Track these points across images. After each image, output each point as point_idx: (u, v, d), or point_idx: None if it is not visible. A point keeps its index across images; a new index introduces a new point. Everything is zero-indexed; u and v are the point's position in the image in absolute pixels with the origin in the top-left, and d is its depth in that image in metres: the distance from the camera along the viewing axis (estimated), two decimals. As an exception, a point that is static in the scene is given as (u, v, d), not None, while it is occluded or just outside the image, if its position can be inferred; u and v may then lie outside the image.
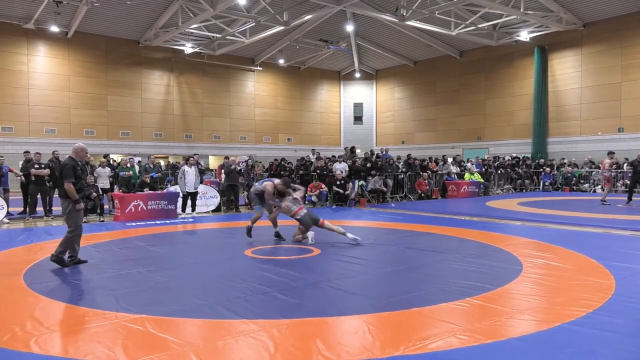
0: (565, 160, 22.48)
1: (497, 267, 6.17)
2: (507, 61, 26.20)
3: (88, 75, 24.18)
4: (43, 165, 11.91)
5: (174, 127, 26.89)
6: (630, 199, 13.88)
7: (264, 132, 30.29)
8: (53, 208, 11.92)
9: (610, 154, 15.39)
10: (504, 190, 20.91)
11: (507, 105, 26.32)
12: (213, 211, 13.91)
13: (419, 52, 28.97)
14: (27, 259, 6.92)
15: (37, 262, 6.67)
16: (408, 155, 19.38)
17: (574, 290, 5.05)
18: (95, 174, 12.42)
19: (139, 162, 16.23)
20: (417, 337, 3.73)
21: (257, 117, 29.98)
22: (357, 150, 20.87)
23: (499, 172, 21.20)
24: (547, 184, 21.16)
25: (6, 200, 11.57)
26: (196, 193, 13.08)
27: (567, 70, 23.88)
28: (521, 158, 23.37)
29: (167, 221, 11.57)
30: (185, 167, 12.87)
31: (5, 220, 11.21)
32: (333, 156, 19.06)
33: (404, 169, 17.86)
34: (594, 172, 20.90)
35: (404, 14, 21.34)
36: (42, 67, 23.03)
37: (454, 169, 19.60)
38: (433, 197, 17.86)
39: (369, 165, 16.66)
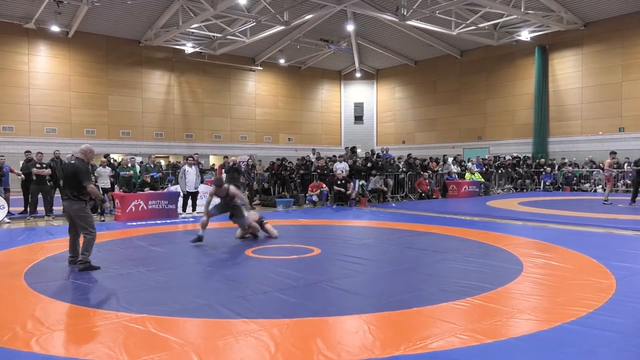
0: (566, 160, 22.47)
1: (498, 267, 6.17)
2: (507, 61, 26.19)
3: (89, 75, 24.18)
4: (44, 165, 11.92)
5: (174, 126, 26.90)
6: (634, 199, 13.84)
7: (265, 132, 30.29)
8: (54, 208, 11.93)
9: (612, 154, 15.37)
10: (505, 190, 20.90)
11: (507, 105, 26.31)
12: (213, 211, 13.88)
13: (420, 51, 28.96)
14: (27, 258, 6.92)
15: (38, 262, 6.67)
16: (408, 155, 19.37)
17: (575, 290, 5.05)
18: (96, 174, 12.42)
19: (141, 162, 16.22)
20: (418, 337, 3.73)
21: (257, 116, 29.99)
22: (358, 150, 20.87)
23: (500, 171, 21.19)
24: (547, 183, 21.15)
25: (7, 199, 11.58)
26: (197, 193, 13.09)
27: (568, 70, 23.87)
28: (522, 158, 23.36)
29: (168, 221, 11.57)
30: (186, 167, 12.88)
31: (6, 219, 11.22)
32: (334, 156, 19.06)
33: (404, 169, 17.86)
34: (594, 172, 20.88)
35: (405, 13, 21.34)
36: (43, 66, 23.04)
37: (455, 169, 19.60)
38: (434, 196, 17.85)
39: (369, 165, 16.66)
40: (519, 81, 25.71)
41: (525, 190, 21.23)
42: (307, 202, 15.61)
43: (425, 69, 30.27)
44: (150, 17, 22.81)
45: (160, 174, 14.73)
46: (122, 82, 25.11)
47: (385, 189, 16.47)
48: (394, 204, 15.58)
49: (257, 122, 29.96)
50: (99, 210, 11.89)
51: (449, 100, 28.98)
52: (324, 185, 15.40)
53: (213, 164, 25.50)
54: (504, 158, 23.00)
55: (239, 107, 29.23)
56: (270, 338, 3.73)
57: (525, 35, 23.62)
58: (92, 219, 6.40)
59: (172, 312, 4.40)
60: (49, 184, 12.02)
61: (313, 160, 18.51)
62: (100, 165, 12.95)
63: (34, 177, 11.68)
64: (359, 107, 33.51)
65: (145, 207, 11.96)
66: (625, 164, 19.87)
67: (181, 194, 12.84)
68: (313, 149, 22.48)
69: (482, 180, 19.46)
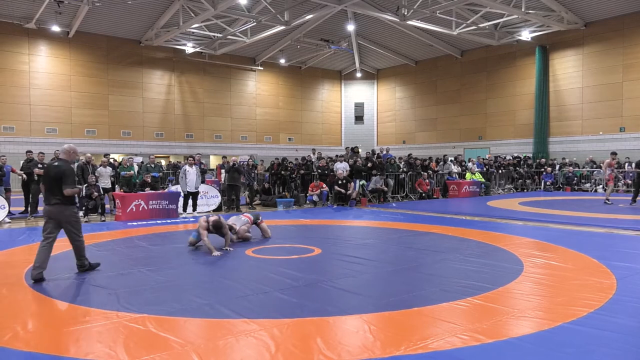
0: (567, 160, 22.46)
1: (498, 267, 6.17)
2: (508, 61, 26.19)
3: (89, 75, 24.20)
4: (46, 165, 11.92)
5: (175, 126, 26.91)
6: (635, 199, 13.83)
7: (265, 132, 30.30)
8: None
9: (613, 154, 15.36)
10: (505, 190, 20.90)
11: (508, 104, 26.30)
12: (214, 211, 13.91)
13: (420, 51, 28.97)
14: (28, 258, 6.92)
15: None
16: (409, 155, 19.37)
17: (575, 289, 5.05)
18: (96, 174, 12.44)
19: (141, 162, 16.23)
20: (418, 337, 3.73)
21: (258, 116, 30.00)
22: (359, 150, 20.87)
23: (500, 171, 21.18)
24: (548, 183, 21.15)
25: (8, 199, 11.59)
26: (197, 193, 13.09)
27: (569, 70, 23.86)
28: (522, 158, 23.35)
29: (168, 221, 11.58)
30: (187, 167, 12.88)
31: (7, 219, 11.23)
32: (336, 156, 19.06)
33: (405, 169, 17.86)
34: (595, 172, 20.87)
35: (405, 13, 21.34)
36: (44, 66, 23.06)
37: (455, 169, 19.59)
38: (434, 196, 17.85)
39: (370, 165, 16.66)
40: (520, 81, 25.71)
41: (525, 190, 21.22)
42: (307, 202, 15.61)
43: (426, 69, 30.27)
44: (151, 17, 22.82)
45: (160, 174, 14.74)
46: (122, 82, 25.13)
47: (386, 189, 16.47)
48: (394, 204, 15.57)
49: (257, 122, 29.97)
50: (100, 211, 11.90)
51: (450, 100, 28.98)
52: (324, 185, 15.40)
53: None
54: (505, 158, 22.99)
55: (240, 107, 29.24)
56: (270, 338, 3.73)
57: (525, 35, 23.62)
58: (81, 223, 6.09)
59: (173, 311, 4.40)
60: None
61: (314, 160, 18.51)
62: (100, 165, 12.96)
63: (36, 177, 11.69)
64: (359, 107, 33.52)
65: (146, 207, 11.96)
66: (626, 164, 19.87)
67: (182, 194, 12.84)
68: (313, 149, 22.49)
69: (483, 180, 19.46)
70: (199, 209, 13.24)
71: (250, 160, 16.29)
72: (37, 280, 5.46)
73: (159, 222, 11.31)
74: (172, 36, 23.70)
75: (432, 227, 10.19)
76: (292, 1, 20.71)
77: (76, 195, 6.12)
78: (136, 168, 14.01)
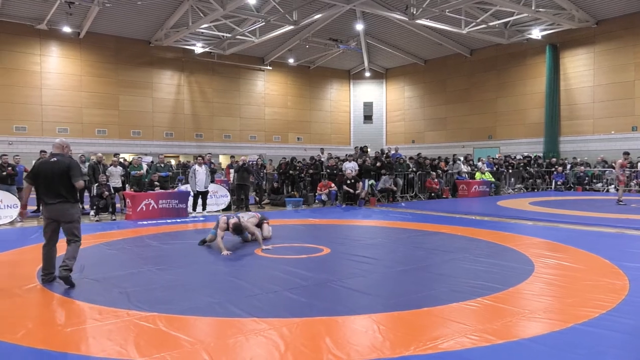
0: (578, 160, 22.24)
1: (508, 267, 6.13)
2: (518, 59, 25.98)
3: (99, 75, 24.39)
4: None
5: (184, 126, 27.04)
6: None
7: (274, 132, 30.34)
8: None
9: (625, 154, 15.19)
10: (515, 190, 20.75)
11: (518, 103, 26.10)
12: (223, 210, 13.96)
13: (429, 50, 28.84)
14: (40, 256, 6.99)
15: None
16: (418, 155, 19.30)
17: (587, 290, 5.01)
18: (107, 173, 12.55)
19: (151, 161, 16.32)
20: (428, 337, 3.72)
21: (266, 116, 30.05)
22: (368, 150, 20.84)
23: (510, 171, 21.04)
24: (559, 183, 20.96)
25: (20, 199, 11.71)
26: (207, 192, 13.15)
27: (580, 69, 23.63)
28: (533, 157, 23.17)
29: (178, 220, 11.64)
30: (196, 167, 12.94)
31: (19, 219, 11.36)
32: (346, 155, 19.04)
33: (414, 168, 17.80)
34: (606, 172, 20.66)
35: (414, 12, 21.25)
36: (55, 67, 23.27)
37: (465, 168, 19.49)
38: (443, 196, 17.77)
39: (378, 164, 16.62)
40: (530, 80, 25.50)
41: (536, 190, 21.06)
42: (316, 201, 15.61)
43: (435, 68, 30.13)
44: (160, 17, 22.95)
45: (170, 173, 14.83)
46: (132, 82, 25.29)
47: (395, 188, 16.43)
48: (403, 204, 15.53)
49: (266, 121, 30.02)
50: (110, 210, 11.99)
51: (459, 99, 28.82)
52: (332, 185, 15.40)
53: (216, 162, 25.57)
54: (515, 157, 22.83)
55: (248, 107, 29.30)
56: (280, 337, 3.74)
57: (536, 33, 23.42)
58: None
59: (183, 310, 4.42)
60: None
61: (323, 159, 18.51)
62: (111, 165, 13.07)
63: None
64: (368, 106, 33.45)
65: (156, 207, 12.04)
66: (639, 164, 19.64)
67: (191, 193, 12.91)
68: (321, 149, 22.48)
69: (493, 180, 19.34)
70: (208, 208, 13.30)
71: (259, 159, 16.32)
72: (49, 282, 5.42)
73: (168, 221, 11.38)
74: (181, 36, 23.81)
75: (441, 227, 10.15)
76: (301, 1, 20.72)
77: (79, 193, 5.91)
78: (145, 167, 14.09)
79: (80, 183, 5.49)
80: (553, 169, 21.72)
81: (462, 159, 20.48)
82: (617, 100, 22.25)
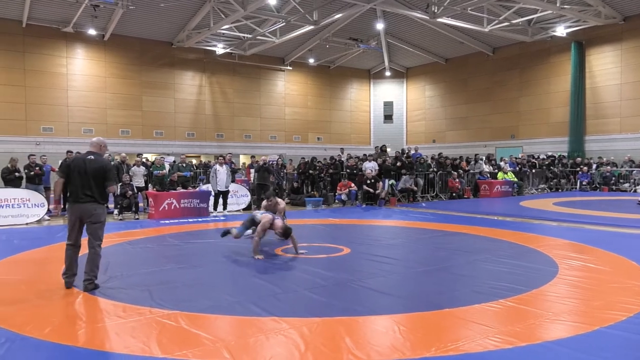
0: (604, 159, 21.74)
1: (532, 269, 6.03)
2: (542, 57, 25.51)
3: (123, 77, 24.82)
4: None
5: (205, 126, 27.32)
6: None
7: (294, 132, 30.43)
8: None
9: None
10: (539, 190, 20.39)
11: (542, 102, 25.63)
12: (244, 209, 14.07)
13: (450, 49, 28.53)
14: (66, 254, 7.15)
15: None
16: (439, 154, 19.11)
17: (613, 293, 4.89)
18: (130, 173, 12.76)
19: (173, 161, 16.54)
20: (449, 339, 3.68)
21: (287, 116, 30.15)
22: (388, 149, 20.72)
23: (534, 171, 20.67)
24: (584, 183, 20.51)
25: (47, 198, 12.01)
26: (227, 192, 13.26)
27: (606, 66, 23.07)
28: (557, 157, 22.72)
29: (200, 219, 11.77)
30: (217, 166, 13.06)
31: (46, 217, 11.65)
32: (364, 155, 18.98)
33: (434, 168, 17.63)
34: (634, 172, 20.14)
35: (435, 10, 21.06)
36: (80, 69, 23.77)
37: (487, 168, 19.23)
38: (465, 196, 17.57)
39: (399, 164, 16.52)
40: (554, 78, 25.01)
41: (560, 190, 20.65)
42: (336, 201, 15.60)
43: (456, 67, 29.80)
44: (182, 19, 23.24)
45: (191, 173, 15.00)
46: (155, 83, 25.66)
47: (415, 188, 16.31)
48: (424, 204, 15.41)
49: (286, 121, 30.13)
50: (133, 209, 12.19)
51: (481, 98, 28.45)
52: (352, 185, 15.37)
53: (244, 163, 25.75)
54: (538, 157, 22.43)
55: (269, 107, 29.45)
56: (300, 336, 3.75)
57: (560, 30, 22.96)
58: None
59: (204, 309, 4.47)
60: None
61: (343, 159, 18.48)
62: (134, 165, 13.29)
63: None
64: (388, 106, 33.28)
65: (178, 206, 12.20)
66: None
67: (212, 192, 13.03)
68: (341, 149, 22.45)
69: (516, 179, 19.04)
70: (229, 207, 13.41)
71: (279, 159, 16.39)
72: (69, 285, 5.19)
73: (190, 220, 11.52)
74: (202, 37, 24.07)
75: (462, 227, 10.04)
76: (321, 1, 20.73)
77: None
78: (168, 167, 14.29)
79: (113, 188, 5.45)
80: (578, 169, 21.26)
81: (484, 158, 20.21)
82: (645, 98, 21.67)
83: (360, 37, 26.70)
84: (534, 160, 21.36)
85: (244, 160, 27.23)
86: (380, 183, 15.29)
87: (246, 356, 3.41)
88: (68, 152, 13.03)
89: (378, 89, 33.37)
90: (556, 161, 22.13)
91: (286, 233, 7.08)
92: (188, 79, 26.69)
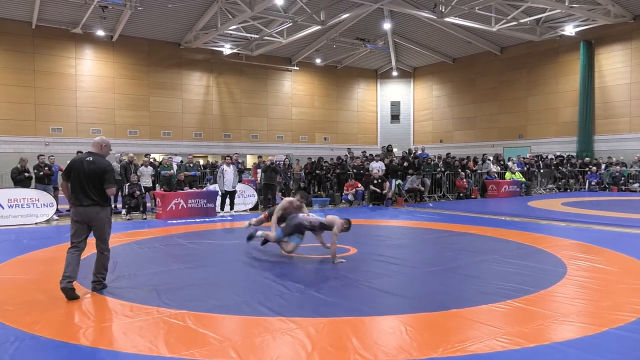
0: (613, 159, 21.54)
1: (540, 269, 5.99)
2: (550, 57, 25.34)
3: (132, 77, 24.97)
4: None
5: (213, 126, 27.41)
6: None
7: (301, 132, 30.45)
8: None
9: None
10: (547, 190, 20.25)
11: (550, 102, 25.46)
12: (251, 209, 14.10)
13: (458, 48, 28.41)
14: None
15: (84, 258, 6.93)
16: (447, 154, 19.05)
17: (622, 294, 4.85)
18: (138, 173, 12.83)
19: (181, 161, 16.62)
20: (456, 339, 3.66)
21: (293, 116, 30.18)
22: (394, 149, 20.68)
23: (542, 171, 20.53)
24: (593, 183, 20.34)
25: (56, 198, 12.10)
26: (234, 192, 13.30)
27: (616, 65, 22.88)
28: (565, 157, 22.55)
29: (207, 219, 11.81)
30: (224, 166, 13.10)
31: (55, 217, 11.73)
32: (370, 155, 18.96)
33: (442, 168, 17.57)
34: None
35: (443, 10, 20.99)
36: (89, 69, 23.94)
37: (494, 168, 19.13)
38: (472, 196, 17.49)
39: (406, 164, 16.48)
40: (563, 77, 24.83)
41: (569, 191, 20.50)
42: (342, 201, 15.59)
43: (464, 67, 29.68)
44: (190, 19, 23.34)
45: (198, 173, 15.06)
46: (163, 84, 25.80)
47: (422, 188, 16.25)
48: (431, 204, 15.36)
49: (293, 121, 30.16)
50: (141, 209, 12.25)
51: (489, 98, 28.31)
52: (359, 185, 15.35)
53: (243, 161, 25.79)
54: (547, 157, 22.27)
55: (276, 107, 29.50)
56: (306, 336, 3.75)
57: (569, 30, 22.79)
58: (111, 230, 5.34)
59: (211, 308, 4.49)
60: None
61: (349, 159, 18.46)
62: (142, 165, 13.36)
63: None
64: (395, 106, 33.21)
65: (185, 206, 12.24)
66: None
67: (219, 192, 13.07)
68: (348, 149, 22.44)
69: (523, 179, 18.92)
70: (235, 207, 13.44)
71: (286, 159, 16.40)
72: (69, 293, 4.78)
73: (197, 220, 11.56)
74: (210, 38, 24.16)
75: (470, 227, 9.99)
76: (328, 1, 20.73)
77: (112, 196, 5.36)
78: (175, 167, 14.35)
79: (112, 190, 5.12)
80: (587, 169, 21.09)
81: (491, 158, 20.11)
82: (655, 98, 21.46)
83: (368, 37, 26.68)
84: (547, 161, 21.17)
85: (250, 160, 27.31)
86: (387, 183, 15.26)
87: (253, 356, 3.41)
88: (78, 152, 13.11)
89: (385, 89, 33.30)
90: (565, 161, 21.96)
91: (348, 228, 6.76)
92: (195, 80, 26.80)
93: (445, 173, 17.39)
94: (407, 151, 19.28)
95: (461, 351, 3.44)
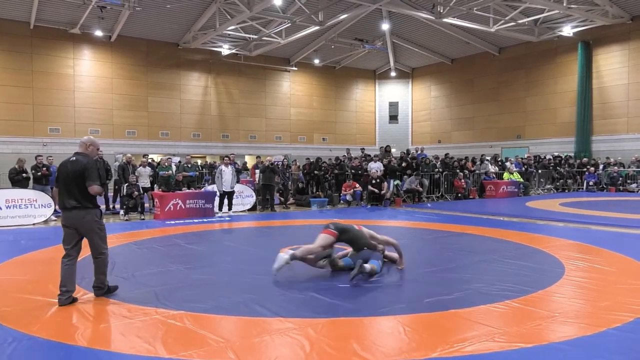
0: (611, 160, 21.59)
1: (538, 269, 6.00)
2: (548, 57, 25.39)
3: (130, 78, 24.94)
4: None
5: (211, 127, 27.40)
6: None
7: (299, 132, 30.45)
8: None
9: None
10: (545, 191, 20.29)
11: (548, 102, 25.51)
12: (249, 210, 14.09)
13: (456, 49, 28.46)
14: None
15: (82, 258, 6.91)
16: (445, 155, 19.07)
17: (620, 294, 4.85)
18: (136, 174, 12.81)
19: (179, 161, 16.61)
20: (454, 340, 3.67)
21: (292, 116, 30.18)
22: (393, 150, 20.70)
23: (540, 171, 20.57)
24: (591, 184, 20.38)
25: (53, 198, 12.08)
26: (232, 192, 13.28)
27: (614, 66, 22.93)
28: (563, 157, 22.60)
29: (205, 219, 11.79)
30: (222, 167, 13.09)
31: (53, 217, 11.71)
32: (368, 155, 18.97)
33: (440, 169, 17.58)
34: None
35: (441, 11, 21.01)
36: (87, 70, 23.91)
37: (492, 169, 19.15)
38: (470, 197, 17.51)
39: (404, 164, 16.49)
40: (561, 78, 24.89)
41: (567, 191, 20.54)
42: (341, 201, 15.59)
43: (462, 67, 29.72)
44: (189, 20, 23.32)
45: (197, 173, 15.04)
46: (161, 84, 25.77)
47: (421, 189, 16.26)
48: (429, 204, 15.36)
49: (291, 122, 30.16)
50: (139, 209, 12.23)
51: (487, 99, 28.35)
52: (357, 185, 15.36)
53: (245, 162, 25.76)
54: (545, 157, 22.31)
55: (274, 108, 29.49)
56: (305, 337, 3.74)
57: (567, 30, 22.84)
58: (105, 232, 4.99)
59: (209, 309, 4.48)
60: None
61: (347, 159, 18.47)
62: (140, 165, 13.34)
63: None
64: (393, 106, 33.23)
65: (183, 206, 12.23)
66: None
67: (217, 193, 13.06)
68: (347, 149, 22.45)
69: (522, 180, 18.95)
70: (234, 208, 13.43)
71: (284, 160, 16.40)
72: (67, 304, 4.61)
73: (195, 220, 11.54)
74: (208, 38, 24.14)
75: (468, 227, 10.00)
76: (327, 1, 20.73)
77: (99, 196, 4.94)
78: (174, 168, 14.34)
79: (94, 188, 4.72)
80: (585, 169, 21.13)
81: (489, 158, 20.13)
82: (653, 98, 21.51)
83: (366, 37, 26.69)
84: (545, 161, 21.20)
85: (248, 160, 27.29)
86: (385, 183, 15.27)
87: (251, 357, 3.41)
88: (76, 153, 13.09)
89: (383, 90, 33.33)
90: (563, 161, 22.01)
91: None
92: (194, 80, 26.78)
93: (444, 173, 17.40)
94: (406, 151, 19.29)
95: (459, 351, 3.44)
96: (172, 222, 11.26)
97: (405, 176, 16.20)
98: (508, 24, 22.37)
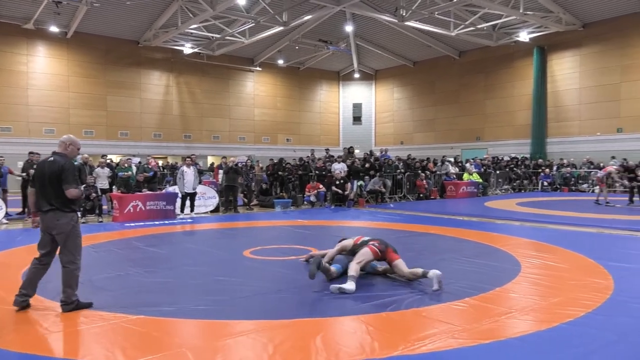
0: (564, 161, 22.50)
1: (496, 268, 6.18)
2: (506, 61, 26.23)
3: (87, 76, 24.17)
4: (38, 163, 11.89)
5: (173, 127, 26.88)
6: (631, 200, 14.13)
7: (263, 133, 30.30)
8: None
9: (613, 158, 15.42)
10: (503, 191, 20.92)
11: (506, 105, 26.35)
12: (212, 212, 13.90)
13: (418, 52, 29.00)
14: (26, 259, 6.88)
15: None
16: (408, 156, 19.39)
17: (573, 290, 5.06)
18: (94, 174, 12.42)
19: (139, 162, 16.20)
20: (416, 338, 3.73)
21: (256, 117, 29.99)
22: (356, 151, 20.88)
23: (498, 172, 21.21)
24: (545, 184, 21.17)
25: (5, 200, 11.57)
26: (195, 193, 13.06)
27: (567, 71, 23.92)
28: (520, 158, 23.38)
29: (166, 222, 11.55)
30: (184, 168, 12.86)
31: (4, 220, 11.20)
32: (332, 156, 19.06)
33: (402, 170, 17.86)
34: (592, 173, 20.92)
35: (404, 14, 21.35)
36: (42, 67, 23.02)
37: (453, 169, 19.61)
38: (432, 197, 17.86)
39: (367, 165, 16.66)
40: (518, 82, 25.75)
41: (523, 191, 21.25)
42: (305, 202, 15.60)
43: (424, 70, 30.30)
44: (149, 17, 22.81)
45: (155, 171, 14.72)
46: (120, 83, 25.10)
47: (384, 189, 16.47)
48: (392, 205, 15.58)
49: (255, 122, 29.97)
50: (97, 212, 11.86)
51: (448, 101, 29.01)
52: (320, 186, 15.41)
53: (212, 163, 25.44)
54: (502, 159, 23.02)
55: (238, 108, 29.23)
56: (268, 339, 3.72)
57: (523, 36, 23.66)
58: (81, 241, 4.67)
59: (170, 313, 4.39)
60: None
61: (312, 160, 18.49)
62: (98, 166, 12.94)
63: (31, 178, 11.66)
64: (357, 107, 33.54)
65: (143, 208, 11.94)
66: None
67: (179, 194, 12.82)
68: (312, 150, 22.48)
69: (481, 180, 19.48)
70: (196, 209, 13.22)
71: (248, 161, 16.26)
72: (22, 308, 4.46)
73: (156, 223, 11.29)
74: (170, 37, 23.69)
75: (429, 227, 10.20)
76: (291, 2, 20.72)
77: (78, 200, 4.72)
78: (134, 169, 13.97)
79: (71, 191, 4.49)
80: (540, 170, 21.93)
81: (451, 160, 20.61)
82: (603, 102, 22.56)
83: (330, 39, 26.84)
84: (502, 162, 21.87)
85: (211, 161, 26.93)
86: (349, 184, 15.38)
87: (213, 360, 3.36)
88: (30, 153, 12.56)
89: (347, 91, 33.59)
90: (519, 163, 22.77)
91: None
92: (155, 79, 26.22)
93: (406, 174, 17.68)
94: (369, 152, 19.50)
95: (420, 349, 3.50)
96: (132, 224, 10.97)
97: (368, 177, 16.37)
98: (468, 29, 22.97)
